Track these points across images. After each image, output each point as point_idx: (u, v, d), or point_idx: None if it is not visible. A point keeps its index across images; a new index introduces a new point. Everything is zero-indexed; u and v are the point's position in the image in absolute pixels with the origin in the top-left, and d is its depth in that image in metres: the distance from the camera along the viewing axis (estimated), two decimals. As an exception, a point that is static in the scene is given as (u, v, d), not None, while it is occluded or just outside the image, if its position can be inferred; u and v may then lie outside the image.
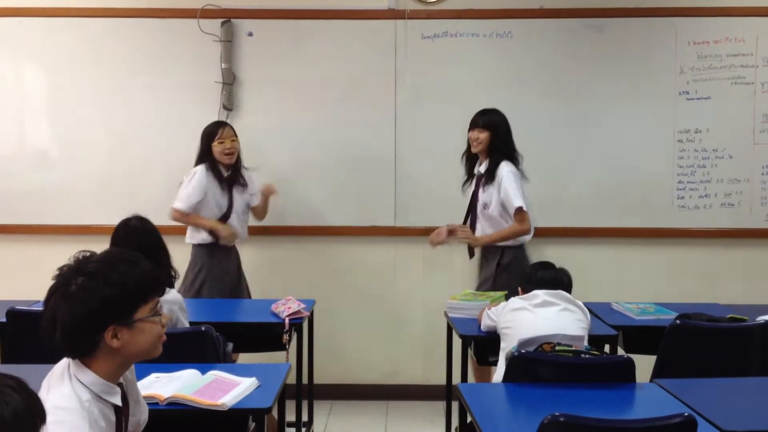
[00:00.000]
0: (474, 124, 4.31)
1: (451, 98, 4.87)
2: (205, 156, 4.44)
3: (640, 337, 3.64)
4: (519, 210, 4.16)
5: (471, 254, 4.45)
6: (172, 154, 4.86)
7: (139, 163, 4.93)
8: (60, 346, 1.91)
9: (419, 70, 4.89)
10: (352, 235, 4.94)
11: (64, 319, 1.87)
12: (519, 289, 3.49)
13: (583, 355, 2.76)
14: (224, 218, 4.44)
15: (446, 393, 4.17)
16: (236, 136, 4.50)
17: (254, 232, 4.76)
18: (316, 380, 4.52)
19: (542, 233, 4.83)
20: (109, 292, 1.90)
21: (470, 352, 3.60)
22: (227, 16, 4.85)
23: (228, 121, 4.82)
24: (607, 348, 3.47)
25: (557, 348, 2.78)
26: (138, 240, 3.16)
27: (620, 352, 3.52)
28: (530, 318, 3.18)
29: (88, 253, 1.97)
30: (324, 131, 4.91)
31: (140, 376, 2.70)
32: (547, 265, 3.49)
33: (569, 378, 2.72)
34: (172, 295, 3.20)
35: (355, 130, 4.90)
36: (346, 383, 4.97)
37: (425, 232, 4.73)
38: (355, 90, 4.89)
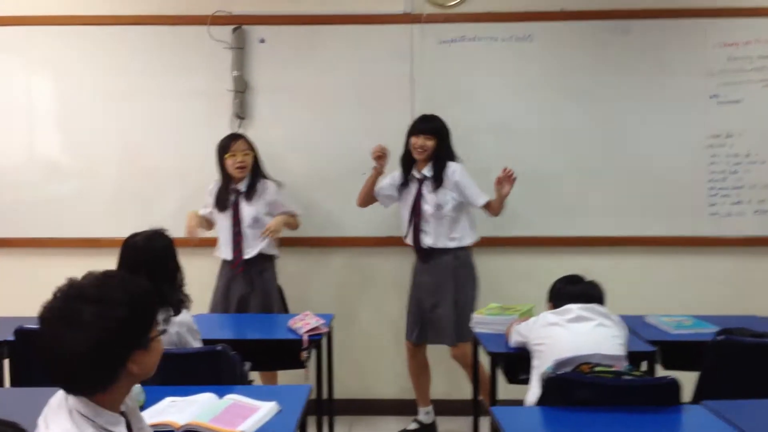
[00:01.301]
0: (419, 131, 4.27)
1: (469, 104, 4.71)
2: (221, 170, 4.35)
3: (678, 352, 3.45)
4: (487, 204, 4.26)
5: (423, 258, 4.35)
6: (184, 164, 4.73)
7: (151, 174, 4.78)
8: (73, 383, 1.75)
9: (436, 75, 4.73)
10: (370, 246, 4.78)
11: (81, 352, 1.70)
12: (548, 304, 3.32)
13: (624, 377, 2.58)
14: (234, 233, 4.30)
15: (473, 409, 4.01)
16: (250, 148, 4.35)
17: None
18: (335, 395, 4.37)
19: (564, 242, 4.69)
20: (127, 314, 1.76)
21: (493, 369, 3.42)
22: (238, 22, 4.70)
23: (241, 130, 4.69)
24: (644, 365, 3.29)
25: (596, 369, 2.60)
26: (144, 257, 3.00)
27: (659, 370, 3.34)
28: (564, 334, 3.00)
29: (71, 282, 1.80)
30: (339, 139, 4.75)
31: (154, 399, 2.57)
32: (575, 279, 3.32)
33: (610, 401, 2.54)
34: (182, 317, 3.03)
35: (371, 138, 4.68)
36: (367, 398, 4.82)
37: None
38: (370, 97, 4.74)
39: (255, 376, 4.02)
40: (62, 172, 4.83)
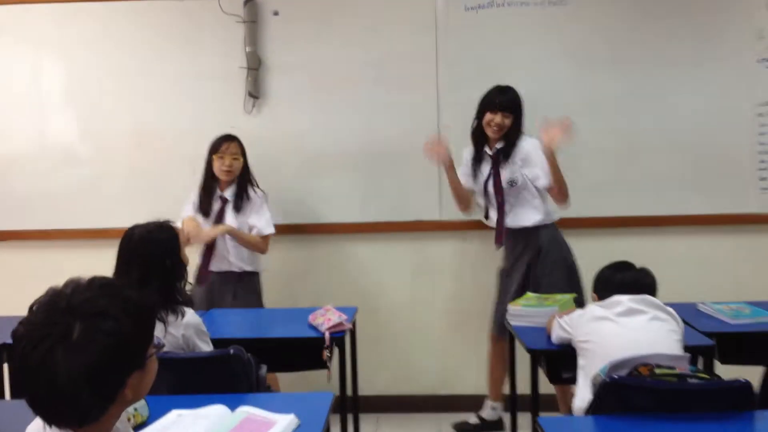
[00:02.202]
0: (496, 106, 3.88)
1: (498, 78, 4.32)
2: (206, 172, 4.05)
3: (737, 345, 3.13)
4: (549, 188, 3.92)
5: (499, 242, 4.01)
6: (194, 147, 4.39)
7: (161, 158, 4.50)
8: (59, 414, 1.47)
9: (463, 46, 4.39)
10: (394, 231, 4.48)
11: (72, 377, 1.42)
12: (593, 295, 3.01)
13: (689, 380, 2.27)
14: (207, 245, 4.00)
15: (511, 406, 3.72)
16: (242, 153, 4.04)
17: (284, 231, 4.32)
18: (360, 391, 4.08)
19: (601, 223, 4.38)
20: (125, 329, 1.49)
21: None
22: (250, -7, 4.39)
23: (254, 109, 4.40)
24: (700, 361, 2.98)
25: (657, 371, 2.30)
26: (142, 252, 2.72)
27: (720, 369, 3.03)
28: (615, 330, 2.70)
29: (55, 292, 1.52)
30: (359, 118, 4.44)
31: (160, 412, 2.31)
32: (625, 266, 2.99)
33: (673, 407, 2.25)
34: (188, 318, 2.75)
35: (393, 116, 4.43)
36: (394, 394, 4.54)
37: (475, 225, 4.28)
38: (392, 72, 4.41)
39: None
40: (72, 160, 4.57)
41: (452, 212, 4.31)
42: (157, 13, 4.44)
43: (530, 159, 3.89)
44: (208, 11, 4.37)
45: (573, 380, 2.85)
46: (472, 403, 4.32)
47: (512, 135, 3.90)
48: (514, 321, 3.36)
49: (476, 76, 4.34)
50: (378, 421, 4.41)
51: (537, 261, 3.91)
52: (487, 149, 3.97)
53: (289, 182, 4.42)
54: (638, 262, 3.05)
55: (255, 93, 4.41)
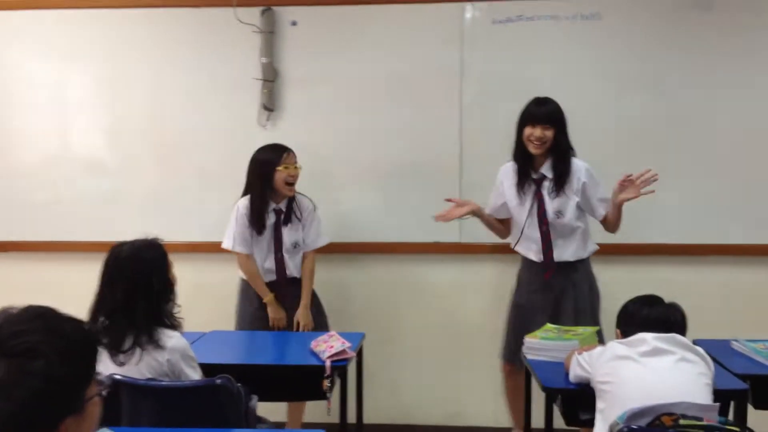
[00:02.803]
0: (536, 119, 3.57)
1: (526, 93, 4.07)
2: (262, 186, 3.77)
3: (773, 389, 2.86)
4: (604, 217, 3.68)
5: (549, 270, 3.68)
6: (205, 159, 4.29)
7: (170, 171, 4.35)
8: None
9: (489, 60, 4.19)
10: (411, 253, 4.27)
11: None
12: (617, 331, 2.76)
13: (717, 433, 2.03)
14: (277, 260, 3.84)
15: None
16: (298, 163, 3.87)
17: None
18: (368, 420, 3.89)
19: (631, 250, 4.13)
20: (55, 369, 1.31)
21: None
22: (268, 3, 4.23)
23: (269, 123, 4.25)
24: (731, 406, 2.71)
25: (682, 422, 2.05)
26: (130, 271, 2.55)
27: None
28: (637, 371, 2.45)
29: None
30: (378, 134, 4.25)
31: (131, 448, 2.12)
32: (652, 300, 2.74)
33: (699, 463, 2.00)
34: (174, 342, 2.57)
35: (414, 133, 4.23)
36: (404, 424, 4.31)
37: (496, 249, 4.06)
38: (414, 86, 4.22)
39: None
40: (81, 171, 4.43)
41: (472, 234, 4.09)
42: (172, 21, 4.31)
43: (591, 186, 3.62)
44: (223, 20, 4.20)
45: (592, 423, 2.60)
46: (489, 433, 4.09)
47: (562, 156, 3.60)
48: (530, 354, 3.12)
49: (502, 93, 4.16)
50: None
51: (565, 296, 3.64)
52: (531, 171, 3.66)
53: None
54: (670, 293, 2.82)
55: (270, 106, 4.24)
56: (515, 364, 3.77)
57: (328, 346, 3.06)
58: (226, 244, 3.80)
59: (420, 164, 4.24)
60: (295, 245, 3.87)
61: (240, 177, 4.08)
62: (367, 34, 4.24)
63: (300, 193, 3.90)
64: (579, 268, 3.68)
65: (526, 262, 3.76)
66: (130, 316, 2.54)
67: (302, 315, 3.83)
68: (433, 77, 4.21)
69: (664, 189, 4.09)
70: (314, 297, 3.96)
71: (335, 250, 4.24)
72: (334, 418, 3.06)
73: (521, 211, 3.69)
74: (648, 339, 2.52)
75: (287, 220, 3.83)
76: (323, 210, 4.16)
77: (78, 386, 1.36)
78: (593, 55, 4.13)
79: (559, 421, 2.85)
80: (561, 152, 3.60)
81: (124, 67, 4.35)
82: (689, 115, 4.10)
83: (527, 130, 3.60)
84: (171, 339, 2.55)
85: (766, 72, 4.06)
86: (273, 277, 3.84)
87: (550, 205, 3.62)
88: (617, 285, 3.96)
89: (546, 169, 3.62)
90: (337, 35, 4.24)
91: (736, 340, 3.24)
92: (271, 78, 4.24)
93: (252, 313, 3.82)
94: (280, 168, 3.74)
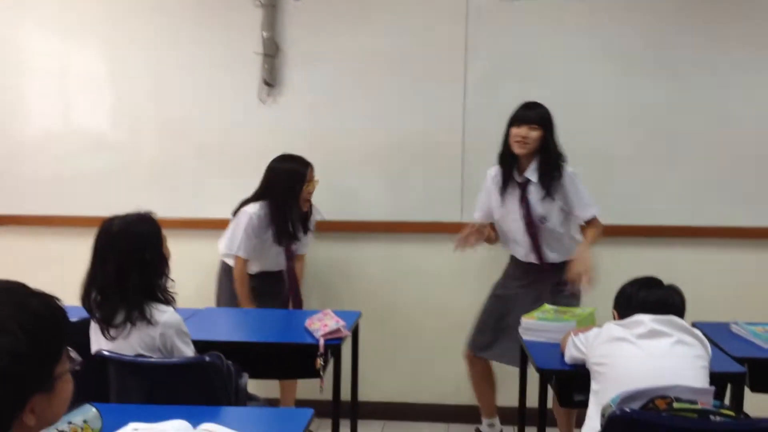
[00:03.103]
0: (522, 120, 3.55)
1: (532, 75, 4.08)
2: (289, 197, 3.75)
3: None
4: (595, 217, 3.62)
5: (544, 270, 3.66)
6: (203, 135, 4.25)
7: (169, 145, 4.30)
8: None
9: (494, 40, 4.11)
10: (411, 233, 4.22)
11: None
12: (614, 312, 2.72)
13: (712, 417, 1.98)
14: (289, 268, 3.89)
15: (518, 418, 3.43)
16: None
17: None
18: (366, 397, 3.91)
19: (634, 232, 4.09)
20: (23, 345, 1.28)
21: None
22: (270, -24, 4.17)
23: (269, 99, 4.20)
24: (728, 389, 2.68)
25: (675, 405, 2.01)
26: (122, 245, 2.52)
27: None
28: (633, 353, 2.42)
29: None
30: (380, 113, 4.18)
31: (117, 424, 2.09)
32: (652, 282, 2.69)
33: (692, 448, 1.96)
34: (167, 317, 2.54)
35: (417, 111, 4.17)
36: (401, 401, 4.29)
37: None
38: (417, 65, 4.14)
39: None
40: (91, 146, 4.37)
41: (473, 214, 4.04)
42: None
43: (571, 191, 3.57)
44: (225, -7, 4.16)
45: (585, 404, 2.57)
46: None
47: (547, 160, 3.55)
48: (526, 335, 3.09)
49: (507, 73, 4.11)
50: (383, 429, 4.18)
51: (549, 292, 3.61)
52: (515, 175, 3.63)
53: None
54: (672, 275, 2.78)
55: (271, 81, 4.19)
56: (473, 352, 3.82)
57: (322, 324, 3.03)
58: (231, 250, 3.75)
59: (422, 143, 4.19)
60: (301, 248, 3.97)
61: (240, 154, 4.06)
62: (371, 10, 4.17)
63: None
64: (564, 271, 3.60)
65: (514, 259, 3.76)
66: (121, 291, 2.51)
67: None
68: (437, 55, 4.14)
69: (667, 171, 4.08)
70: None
71: (334, 228, 4.21)
72: (327, 395, 3.04)
73: (505, 215, 3.66)
74: (645, 321, 2.48)
75: (305, 230, 3.87)
76: (323, 187, 4.13)
77: (46, 363, 1.32)
78: (600, 36, 4.06)
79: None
80: (548, 155, 3.55)
81: (125, 42, 4.28)
82: (694, 98, 4.03)
83: (513, 131, 3.56)
84: (164, 314, 2.52)
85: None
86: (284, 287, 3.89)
87: (536, 211, 3.58)
88: (616, 266, 3.91)
89: (531, 173, 3.57)
90: (340, 11, 4.17)
91: (735, 323, 3.20)
92: (272, 53, 4.18)
93: (233, 292, 3.80)
94: (307, 185, 3.75)
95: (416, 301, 4.26)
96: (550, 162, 3.55)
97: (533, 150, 3.54)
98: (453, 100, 4.15)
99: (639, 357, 2.39)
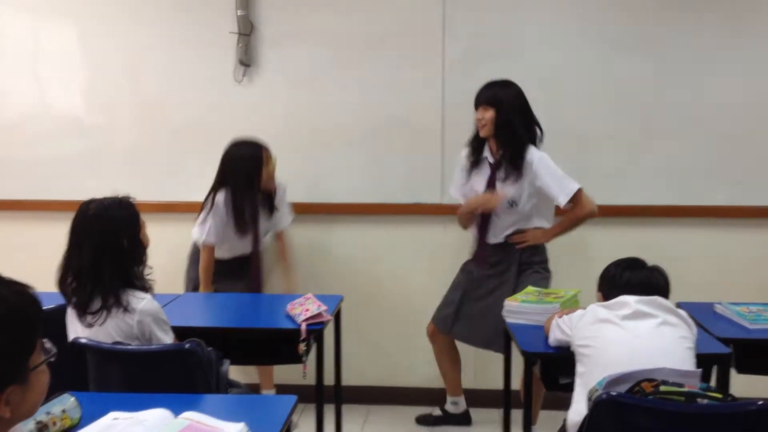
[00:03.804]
0: (476, 102, 3.57)
1: (512, 54, 4.04)
2: (247, 184, 3.68)
3: (757, 353, 2.81)
4: (577, 192, 3.49)
5: (481, 261, 3.69)
6: (179, 116, 4.17)
7: (145, 128, 4.23)
8: None
9: (473, 18, 4.06)
10: (392, 214, 4.17)
11: None
12: (598, 294, 2.70)
13: (699, 400, 1.97)
14: (254, 253, 3.81)
15: (504, 400, 3.40)
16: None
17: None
18: (350, 381, 3.90)
19: (616, 212, 4.06)
20: (0, 337, 1.24)
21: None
22: (244, -46, 4.08)
23: (245, 78, 4.12)
24: (714, 370, 2.67)
25: (662, 388, 2.00)
26: (98, 230, 2.46)
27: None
28: (618, 335, 2.40)
29: None
30: (358, 92, 4.12)
31: (96, 413, 2.04)
32: (635, 263, 2.67)
33: (679, 431, 1.95)
34: (144, 304, 2.48)
35: (395, 92, 4.11)
36: (385, 385, 4.27)
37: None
38: (395, 44, 4.08)
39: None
40: (66, 129, 4.28)
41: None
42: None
43: (541, 174, 3.50)
44: (198, -29, 4.07)
45: (571, 387, 2.55)
46: (468, 396, 4.04)
47: (511, 141, 3.51)
48: (510, 318, 3.06)
49: (486, 52, 4.06)
50: (368, 413, 4.16)
51: (510, 274, 3.63)
52: (487, 154, 3.62)
53: (279, 159, 4.13)
54: (654, 255, 2.76)
55: (246, 61, 4.11)
56: (438, 328, 3.83)
57: (303, 309, 2.98)
58: (202, 238, 3.70)
59: (401, 124, 4.14)
60: (266, 233, 3.88)
61: (215, 135, 3.97)
62: (346, -14, 4.11)
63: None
64: (535, 252, 3.63)
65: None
66: (97, 277, 2.46)
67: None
68: (415, 34, 4.09)
69: (650, 150, 4.06)
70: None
71: (314, 210, 4.17)
72: (311, 380, 3.00)
73: (473, 193, 3.67)
74: (630, 302, 2.46)
75: (270, 211, 3.81)
76: (300, 169, 4.08)
77: (19, 354, 1.28)
78: (579, 12, 4.02)
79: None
80: (505, 136, 3.52)
81: (99, 22, 4.19)
82: (676, 74, 4.00)
83: (476, 114, 3.58)
84: (141, 301, 2.47)
85: (755, 34, 3.96)
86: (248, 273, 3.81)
87: (504, 192, 3.55)
88: (600, 247, 3.93)
89: (496, 154, 3.58)
90: (316, -11, 4.11)
91: (719, 304, 3.19)
92: (247, 32, 4.10)
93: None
94: (266, 167, 3.69)
95: (398, 284, 4.22)
96: (508, 142, 3.52)
97: (492, 131, 3.53)
98: (431, 80, 4.10)
99: (624, 338, 2.37)
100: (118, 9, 4.17)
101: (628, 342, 2.36)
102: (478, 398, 4.09)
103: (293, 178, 4.01)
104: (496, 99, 3.52)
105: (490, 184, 3.58)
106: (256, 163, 3.66)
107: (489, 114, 3.51)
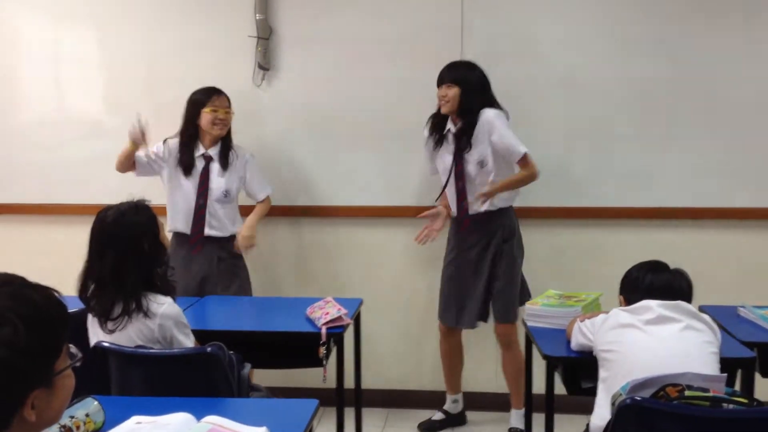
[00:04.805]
0: (440, 81, 3.74)
1: (531, 54, 4.02)
2: (190, 126, 3.78)
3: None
4: (524, 156, 3.63)
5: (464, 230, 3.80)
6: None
7: (164, 132, 4.17)
8: None
9: (491, 19, 4.04)
10: (409, 217, 4.15)
11: None
12: (620, 298, 2.68)
13: (724, 405, 1.95)
14: (198, 205, 3.76)
15: (525, 403, 3.39)
16: (231, 108, 3.82)
17: (288, 213, 4.12)
18: (369, 385, 3.88)
19: (635, 214, 4.04)
20: (23, 339, 1.23)
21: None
22: (263, -43, 4.09)
23: (264, 82, 4.13)
24: (738, 375, 2.65)
25: (687, 393, 1.98)
26: (114, 237, 2.46)
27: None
28: (642, 340, 2.38)
29: None
30: (376, 95, 4.11)
31: (120, 418, 2.05)
32: (657, 267, 2.65)
33: (705, 436, 1.93)
34: (165, 309, 2.49)
35: (412, 95, 4.08)
36: (405, 389, 4.26)
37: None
38: (412, 47, 4.06)
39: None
40: (86, 133, 4.30)
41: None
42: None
43: (496, 128, 3.64)
44: (216, -26, 4.08)
45: (593, 392, 2.54)
46: (488, 400, 4.04)
47: (466, 113, 3.68)
48: (531, 322, 3.05)
49: (504, 54, 4.04)
50: (387, 417, 4.15)
51: (497, 246, 3.74)
52: (450, 125, 3.76)
53: (296, 162, 4.15)
54: (675, 258, 2.73)
55: (265, 65, 4.12)
56: (450, 326, 3.91)
57: (323, 312, 2.98)
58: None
59: (419, 125, 4.11)
60: (226, 193, 3.80)
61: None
62: (365, -11, 4.10)
63: (238, 145, 3.87)
64: (501, 217, 3.74)
65: (452, 220, 3.87)
66: (120, 284, 2.46)
67: (244, 229, 3.82)
68: (433, 36, 4.07)
69: (670, 151, 4.03)
70: (242, 263, 3.88)
71: (332, 213, 4.18)
72: (331, 384, 3.00)
73: (443, 169, 3.81)
74: (653, 306, 2.44)
75: (223, 166, 3.79)
76: (319, 172, 4.09)
77: (46, 358, 1.28)
78: (599, 13, 4.00)
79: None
80: (466, 111, 3.69)
81: (119, 27, 4.22)
82: (696, 77, 3.97)
83: (437, 91, 3.73)
84: (161, 306, 2.48)
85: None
86: (188, 229, 3.77)
87: (471, 156, 3.68)
88: (621, 249, 3.91)
89: (457, 125, 3.72)
90: (334, -8, 4.11)
91: (743, 307, 3.16)
92: (265, 36, 4.11)
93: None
94: (206, 110, 3.72)
95: (417, 288, 4.20)
96: (467, 117, 3.68)
97: (455, 108, 3.69)
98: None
99: (648, 343, 2.35)
100: (138, 14, 4.19)
101: (651, 347, 2.34)
102: (502, 402, 4.06)
103: (311, 181, 4.02)
104: (461, 77, 3.69)
105: (456, 156, 3.71)
106: (198, 105, 3.75)
107: (453, 91, 3.67)
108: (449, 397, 4.05)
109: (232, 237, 3.82)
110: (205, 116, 3.73)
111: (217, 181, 3.78)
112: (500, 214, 3.73)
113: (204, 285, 3.71)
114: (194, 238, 3.76)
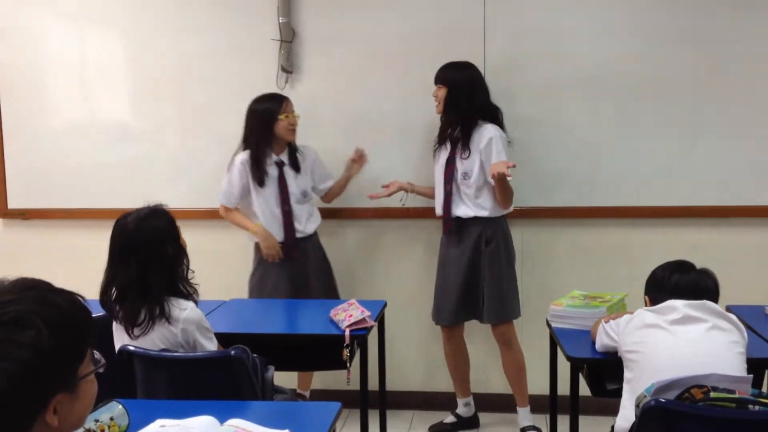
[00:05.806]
0: (434, 81, 3.75)
1: (553, 54, 4.00)
2: (263, 136, 3.76)
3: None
4: None
5: (453, 230, 3.79)
6: (223, 124, 4.17)
7: (190, 136, 4.28)
8: None
9: (513, 17, 4.02)
10: (432, 218, 4.12)
11: None
12: (645, 298, 2.66)
13: (750, 406, 1.93)
14: (284, 212, 3.80)
15: (550, 405, 3.37)
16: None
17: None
18: (393, 387, 3.88)
19: (662, 213, 4.01)
20: (47, 341, 1.25)
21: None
22: (285, -39, 4.10)
23: (287, 84, 4.14)
24: (765, 376, 2.61)
25: (712, 395, 1.95)
26: (135, 243, 2.47)
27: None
28: (667, 340, 2.35)
29: None
30: (399, 97, 4.12)
31: (142, 421, 2.07)
32: (683, 266, 2.62)
33: (731, 438, 1.91)
34: (188, 313, 2.51)
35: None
36: (429, 391, 4.25)
37: (523, 213, 3.98)
38: (435, 46, 4.03)
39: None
40: (114, 138, 4.35)
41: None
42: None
43: (488, 151, 3.63)
44: (241, -21, 4.11)
45: (618, 393, 2.52)
46: (505, 402, 4.01)
47: (456, 115, 3.68)
48: (555, 323, 3.03)
49: (528, 53, 4.02)
50: (412, 419, 4.15)
51: (477, 252, 3.72)
52: (453, 134, 3.75)
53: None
54: (702, 257, 2.72)
55: (288, 68, 4.14)
56: (450, 327, 3.89)
57: (347, 314, 2.99)
58: (219, 200, 3.87)
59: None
60: (305, 194, 3.86)
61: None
62: (388, -9, 4.10)
63: (301, 144, 3.91)
64: (492, 227, 3.70)
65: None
66: (144, 290, 2.47)
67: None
68: (455, 35, 4.06)
69: (697, 149, 3.98)
70: (325, 258, 3.97)
71: (359, 215, 4.20)
72: (354, 386, 3.01)
73: (438, 171, 3.81)
74: (678, 306, 2.41)
75: (296, 169, 3.82)
76: (340, 174, 4.09)
77: (70, 362, 1.29)
78: (624, 10, 3.96)
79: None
80: (457, 113, 3.66)
81: (144, 32, 4.26)
82: (724, 72, 3.93)
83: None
84: (183, 311, 2.49)
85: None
86: (281, 236, 3.80)
87: (460, 166, 3.69)
88: (647, 249, 3.88)
89: (457, 131, 3.69)
90: (356, -6, 4.11)
91: (770, 307, 3.13)
92: (289, 39, 4.12)
93: (261, 273, 3.83)
94: (281, 116, 3.74)
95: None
96: (455, 120, 3.67)
97: (445, 109, 3.69)
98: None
99: (673, 344, 2.33)
100: (163, 19, 4.23)
101: (677, 347, 2.31)
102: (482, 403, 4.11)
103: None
104: (448, 78, 3.69)
105: (449, 161, 3.72)
106: (272, 114, 3.75)
107: (441, 92, 3.69)
108: (460, 401, 4.04)
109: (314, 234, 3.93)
110: (281, 123, 3.75)
111: (294, 185, 3.82)
112: (483, 220, 3.71)
113: (306, 284, 3.82)
114: (290, 243, 3.81)
